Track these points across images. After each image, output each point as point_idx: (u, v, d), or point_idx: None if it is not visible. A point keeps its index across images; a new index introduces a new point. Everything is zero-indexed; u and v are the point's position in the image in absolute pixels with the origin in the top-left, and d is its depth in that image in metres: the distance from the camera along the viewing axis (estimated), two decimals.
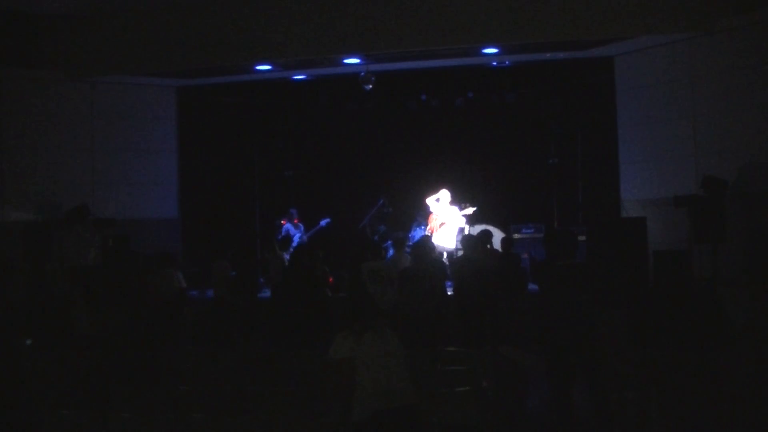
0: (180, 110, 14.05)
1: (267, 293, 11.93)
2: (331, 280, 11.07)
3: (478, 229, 11.63)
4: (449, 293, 9.87)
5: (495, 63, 13.38)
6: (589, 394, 6.60)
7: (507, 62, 13.36)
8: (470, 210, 12.96)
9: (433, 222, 13.04)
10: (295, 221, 13.75)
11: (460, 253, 11.13)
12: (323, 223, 13.69)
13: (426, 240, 10.60)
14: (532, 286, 10.94)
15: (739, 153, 10.75)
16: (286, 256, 11.32)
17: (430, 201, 13.05)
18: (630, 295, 9.76)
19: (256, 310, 11.15)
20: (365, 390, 4.89)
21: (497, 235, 11.63)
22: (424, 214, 13.51)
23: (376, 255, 9.87)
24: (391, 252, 11.85)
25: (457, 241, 12.60)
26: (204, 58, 12.31)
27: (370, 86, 12.40)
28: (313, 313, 9.35)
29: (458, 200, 13.17)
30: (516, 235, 13.17)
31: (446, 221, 12.95)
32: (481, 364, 7.01)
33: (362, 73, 12.45)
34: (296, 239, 13.17)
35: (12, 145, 12.39)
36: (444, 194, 12.95)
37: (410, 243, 13.20)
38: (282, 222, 13.76)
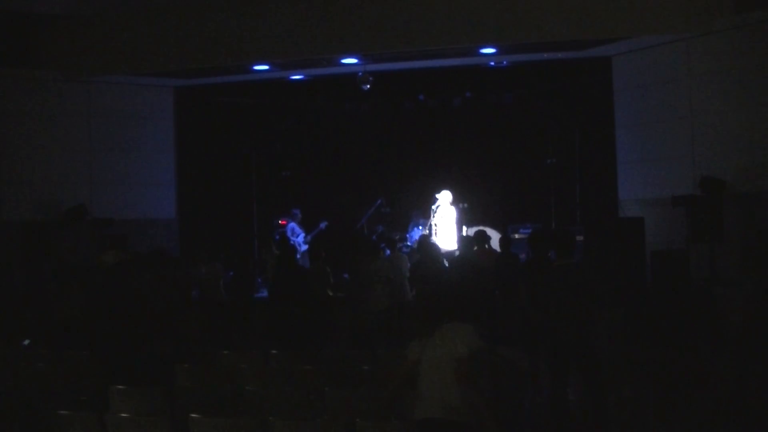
0: (177, 110, 14.04)
1: (265, 293, 11.94)
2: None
3: (475, 230, 11.63)
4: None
5: (493, 63, 13.38)
6: (586, 394, 6.62)
7: (505, 62, 13.37)
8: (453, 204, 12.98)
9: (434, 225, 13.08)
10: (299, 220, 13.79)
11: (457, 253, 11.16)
12: (322, 225, 13.72)
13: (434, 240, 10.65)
14: None
15: (737, 153, 10.77)
16: None
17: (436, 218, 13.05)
18: (627, 295, 9.78)
19: (253, 310, 11.17)
20: (418, 395, 4.76)
21: (495, 236, 11.65)
22: (421, 214, 13.55)
23: (375, 255, 9.88)
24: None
25: (456, 241, 12.63)
26: (201, 58, 12.30)
27: (368, 86, 12.40)
28: (306, 312, 9.37)
29: (457, 200, 13.19)
30: (514, 236, 13.18)
31: (441, 222, 12.96)
32: (479, 364, 7.01)
33: (360, 73, 12.46)
34: (300, 239, 13.20)
35: (10, 145, 12.37)
36: (444, 195, 12.94)
37: (409, 243, 13.26)
38: (282, 222, 13.76)
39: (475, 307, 9.25)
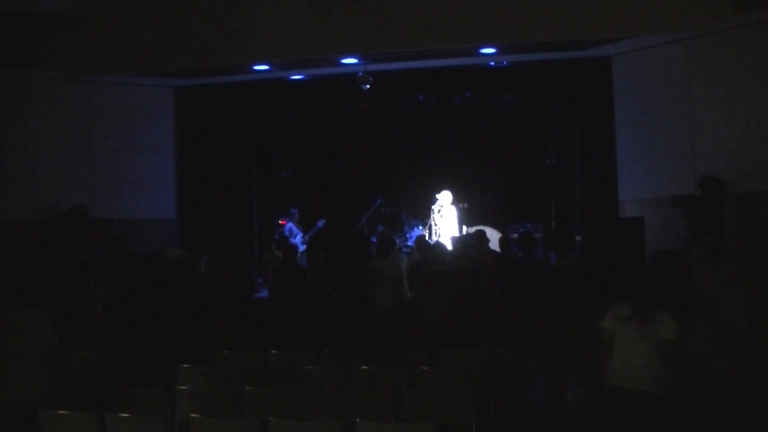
0: (177, 110, 14.04)
1: (265, 293, 11.94)
2: None
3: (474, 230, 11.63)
4: None
5: (493, 63, 13.39)
6: (586, 394, 6.62)
7: (505, 62, 13.37)
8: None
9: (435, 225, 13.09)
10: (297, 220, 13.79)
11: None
12: (320, 224, 13.72)
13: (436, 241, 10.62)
14: None
15: (737, 153, 10.77)
16: None
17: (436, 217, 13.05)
18: (627, 296, 9.75)
19: (253, 310, 11.17)
20: (612, 364, 5.33)
21: (495, 236, 11.64)
22: (411, 216, 13.59)
23: (383, 254, 9.87)
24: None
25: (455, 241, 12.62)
26: (202, 58, 12.30)
27: (368, 86, 12.41)
28: (306, 312, 9.36)
29: (457, 200, 13.19)
30: (514, 236, 13.17)
31: (442, 222, 12.96)
32: (479, 365, 7.02)
33: (360, 73, 12.46)
34: (299, 239, 13.19)
35: (10, 146, 12.38)
36: (444, 195, 12.93)
37: (409, 243, 13.27)
38: (281, 222, 13.77)
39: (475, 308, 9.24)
